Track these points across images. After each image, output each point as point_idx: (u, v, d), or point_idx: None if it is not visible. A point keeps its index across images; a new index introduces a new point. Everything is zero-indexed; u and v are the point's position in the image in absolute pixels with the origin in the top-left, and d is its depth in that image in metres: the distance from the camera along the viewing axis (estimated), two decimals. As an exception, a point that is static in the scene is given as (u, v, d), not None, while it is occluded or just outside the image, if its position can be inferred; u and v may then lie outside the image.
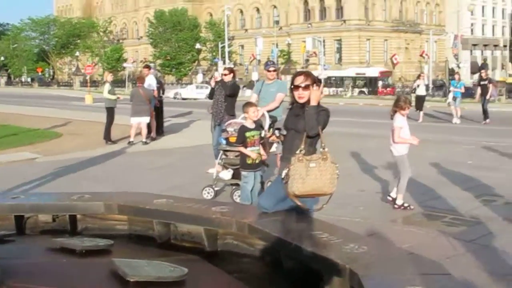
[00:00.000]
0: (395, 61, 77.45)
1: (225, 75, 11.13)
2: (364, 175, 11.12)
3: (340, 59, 78.78)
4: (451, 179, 10.26)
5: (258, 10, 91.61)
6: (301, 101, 5.12)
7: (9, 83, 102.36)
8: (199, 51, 78.94)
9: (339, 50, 79.39)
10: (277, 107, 9.65)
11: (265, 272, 4.79)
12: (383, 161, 11.51)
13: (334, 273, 3.83)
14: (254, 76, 60.61)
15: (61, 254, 4.14)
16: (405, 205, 7.95)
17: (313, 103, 5.00)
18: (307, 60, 74.32)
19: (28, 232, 6.04)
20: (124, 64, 75.26)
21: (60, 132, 20.52)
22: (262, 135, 8.58)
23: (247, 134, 7.94)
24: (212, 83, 11.64)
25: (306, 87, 5.07)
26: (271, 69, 9.76)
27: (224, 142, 8.97)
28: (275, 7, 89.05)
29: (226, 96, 10.76)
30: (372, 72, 60.24)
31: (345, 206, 8.11)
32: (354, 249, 3.99)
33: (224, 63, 60.98)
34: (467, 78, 58.31)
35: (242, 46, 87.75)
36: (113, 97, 16.96)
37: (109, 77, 18.20)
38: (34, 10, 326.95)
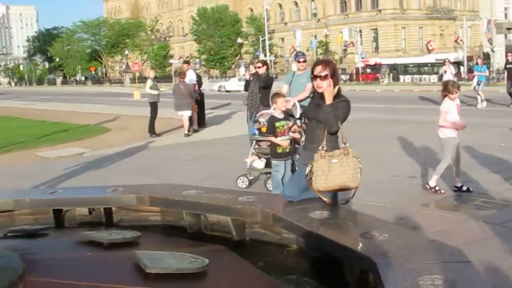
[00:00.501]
0: (430, 48, 75.89)
1: (259, 67, 11.01)
2: (399, 160, 10.74)
3: (377, 48, 77.70)
4: (483, 162, 9.82)
5: (296, 3, 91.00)
6: (320, 90, 4.93)
7: (64, 82, 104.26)
8: (241, 45, 78.92)
9: (375, 39, 78.26)
10: (308, 97, 9.45)
11: (291, 261, 4.66)
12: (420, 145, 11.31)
13: (354, 261, 3.66)
14: (294, 67, 60.02)
15: (89, 247, 4.07)
16: (437, 188, 7.65)
17: (328, 101, 4.80)
18: (345, 50, 73.66)
19: (67, 225, 6.06)
20: (171, 61, 75.73)
21: (109, 127, 20.73)
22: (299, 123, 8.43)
23: (277, 124, 7.78)
24: (247, 76, 11.56)
25: (325, 77, 4.86)
26: (301, 60, 9.56)
27: (256, 132, 8.87)
28: (312, 0, 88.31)
29: (260, 88, 10.65)
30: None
31: (375, 192, 7.87)
32: (375, 237, 3.81)
33: (265, 55, 60.75)
34: (502, 62, 56.70)
35: (282, 39, 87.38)
36: (155, 92, 17.04)
37: (151, 73, 18.28)
38: (85, 13, 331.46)
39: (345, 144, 4.73)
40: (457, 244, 5.39)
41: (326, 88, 4.80)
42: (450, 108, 7.68)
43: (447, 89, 7.79)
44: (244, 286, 3.60)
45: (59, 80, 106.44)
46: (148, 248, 4.23)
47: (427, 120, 17.17)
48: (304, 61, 9.52)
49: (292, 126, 7.59)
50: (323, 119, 4.82)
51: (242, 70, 16.73)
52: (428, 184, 7.80)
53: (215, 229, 5.32)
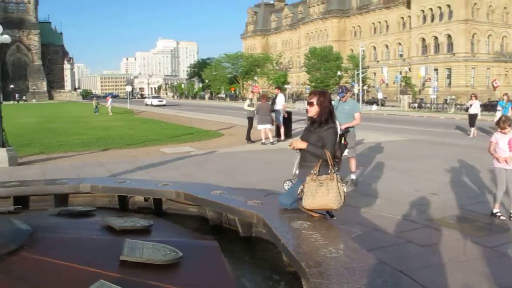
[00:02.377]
0: (495, 85, 70.30)
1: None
2: (427, 177, 9.54)
3: (449, 84, 73.06)
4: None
5: (387, 46, 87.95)
6: (309, 115, 4.54)
7: (210, 98, 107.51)
8: (340, 77, 77.35)
9: (449, 77, 73.54)
10: (357, 124, 8.71)
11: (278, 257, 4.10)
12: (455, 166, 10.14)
13: (301, 275, 3.04)
14: (379, 95, 58.53)
15: (103, 231, 3.76)
16: (497, 214, 6.30)
17: (302, 146, 4.43)
18: (423, 84, 70.07)
19: (130, 208, 5.83)
20: (285, 86, 76.01)
21: (223, 133, 20.73)
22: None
23: None
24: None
25: (310, 104, 4.48)
26: (341, 96, 8.75)
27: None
28: (400, 44, 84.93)
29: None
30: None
31: (393, 203, 7.02)
32: (327, 252, 3.17)
33: (358, 85, 59.12)
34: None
35: (374, 73, 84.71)
36: (252, 108, 16.78)
37: (250, 95, 18.03)
38: (228, 48, 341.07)
39: (331, 171, 4.22)
40: (440, 262, 4.57)
41: (298, 141, 4.49)
42: (498, 140, 6.52)
43: (498, 123, 6.70)
44: (203, 280, 3.11)
45: (207, 96, 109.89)
46: (155, 235, 3.88)
47: (473, 144, 15.59)
48: (343, 97, 8.71)
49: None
50: (312, 153, 4.38)
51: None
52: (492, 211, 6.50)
53: (232, 224, 4.87)
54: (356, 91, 58.86)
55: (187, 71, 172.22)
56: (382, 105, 53.20)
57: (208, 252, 3.60)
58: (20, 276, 2.82)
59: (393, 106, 55.17)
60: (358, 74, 60.01)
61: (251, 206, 4.44)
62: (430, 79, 63.01)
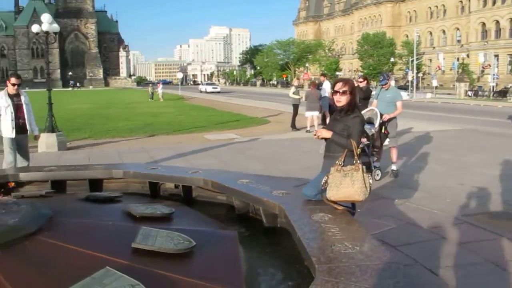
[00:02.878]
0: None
1: (360, 82, 10.10)
2: (474, 170, 9.02)
3: (511, 71, 69.41)
4: None
5: (443, 31, 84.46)
6: (339, 104, 4.25)
7: (262, 84, 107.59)
8: (394, 63, 75.21)
9: (511, 63, 69.88)
10: (400, 113, 8.41)
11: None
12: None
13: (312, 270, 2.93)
14: (434, 83, 56.35)
15: (124, 217, 3.80)
16: None
17: (327, 135, 4.23)
18: (482, 71, 66.89)
19: (162, 194, 5.88)
20: (337, 73, 74.81)
21: (270, 120, 20.63)
22: (371, 130, 7.56)
23: None
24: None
25: (343, 93, 4.19)
26: (383, 83, 8.44)
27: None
28: (457, 29, 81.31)
29: (361, 99, 9.72)
30: None
31: (434, 197, 6.71)
32: (343, 248, 3.04)
33: (412, 72, 57.26)
34: None
35: (430, 60, 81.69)
36: (297, 96, 16.62)
37: (295, 82, 17.76)
38: (280, 35, 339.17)
39: (356, 161, 4.02)
40: (473, 261, 4.33)
41: (323, 130, 4.27)
42: None
43: None
44: (213, 271, 3.07)
45: (258, 82, 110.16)
46: (175, 223, 3.87)
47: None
48: (386, 84, 8.40)
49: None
50: (337, 143, 4.19)
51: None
52: None
53: (258, 214, 4.80)
54: (410, 78, 57.15)
55: (239, 58, 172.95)
56: (432, 92, 51.09)
57: (225, 242, 3.55)
58: (34, 259, 2.88)
59: (448, 94, 53.12)
60: (412, 60, 58.05)
61: (276, 197, 4.34)
62: (489, 65, 60.06)
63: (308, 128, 15.53)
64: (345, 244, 3.07)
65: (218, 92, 63.38)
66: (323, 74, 17.09)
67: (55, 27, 11.82)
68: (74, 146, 12.96)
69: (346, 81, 4.30)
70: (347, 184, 3.93)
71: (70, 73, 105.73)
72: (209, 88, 67.66)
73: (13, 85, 7.09)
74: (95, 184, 5.91)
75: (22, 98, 7.31)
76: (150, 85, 55.30)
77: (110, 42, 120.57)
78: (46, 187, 5.82)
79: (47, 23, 11.45)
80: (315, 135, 4.37)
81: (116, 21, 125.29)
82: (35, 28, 11.94)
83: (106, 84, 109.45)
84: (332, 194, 3.97)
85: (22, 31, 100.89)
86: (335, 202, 4.05)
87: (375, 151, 7.86)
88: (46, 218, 3.32)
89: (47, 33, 11.68)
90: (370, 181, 4.02)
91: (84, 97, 54.22)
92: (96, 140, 14.47)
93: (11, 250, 2.89)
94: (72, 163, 9.66)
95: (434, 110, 28.86)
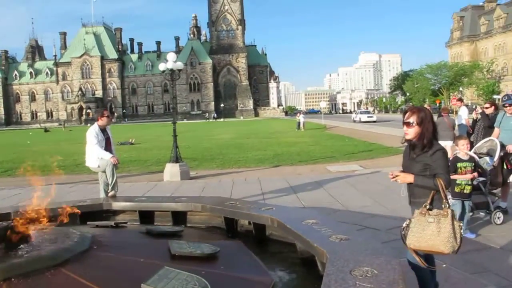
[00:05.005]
0: None
1: (487, 107, 8.91)
2: None
3: None
4: None
5: None
6: (406, 137, 3.74)
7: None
8: None
9: None
10: None
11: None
12: None
13: None
14: None
15: (162, 255, 3.78)
16: None
17: (409, 180, 3.65)
18: None
19: (239, 231, 5.78)
20: (494, 96, 68.18)
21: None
22: (490, 164, 6.62)
23: (459, 164, 6.29)
24: (474, 116, 9.47)
25: (409, 124, 3.66)
26: (507, 104, 7.30)
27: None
28: None
29: (485, 127, 8.61)
30: None
31: None
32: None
33: None
34: None
35: None
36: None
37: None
38: (433, 58, 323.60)
39: (445, 206, 3.48)
40: None
41: (402, 174, 3.69)
42: None
43: None
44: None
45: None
46: (212, 264, 3.74)
47: None
48: (510, 106, 7.24)
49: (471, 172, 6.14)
50: (422, 186, 3.63)
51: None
52: None
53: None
54: None
55: (389, 84, 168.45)
56: None
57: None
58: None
59: None
60: None
61: (329, 243, 3.92)
62: None
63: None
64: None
65: (374, 122, 56.43)
66: (459, 99, 15.62)
67: (179, 64, 12.70)
68: (198, 176, 13.59)
69: (415, 110, 3.74)
70: (432, 232, 3.41)
71: (222, 105, 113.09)
72: (364, 117, 59.21)
73: (108, 117, 7.75)
74: (179, 216, 6.04)
75: (109, 131, 7.93)
76: (298, 114, 55.81)
77: (260, 74, 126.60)
78: (135, 217, 6.16)
79: (171, 61, 12.35)
80: (392, 177, 3.77)
81: (265, 54, 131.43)
82: (161, 66, 12.96)
83: (256, 114, 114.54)
84: (413, 241, 3.49)
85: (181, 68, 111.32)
86: (416, 252, 3.53)
87: (494, 189, 6.84)
88: (78, 250, 3.43)
89: (172, 70, 12.58)
90: (462, 231, 3.43)
91: (231, 127, 57.32)
92: (222, 170, 15.01)
93: (29, 279, 3.03)
94: (187, 193, 10.10)
95: None
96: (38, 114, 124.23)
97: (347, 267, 3.38)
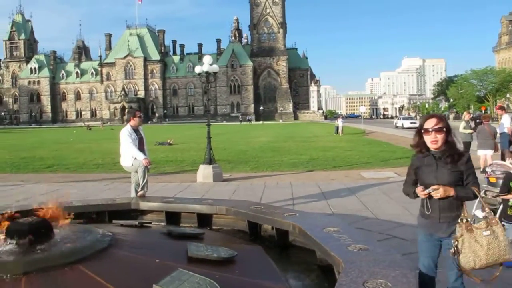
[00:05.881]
0: None
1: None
2: None
3: None
4: None
5: None
6: (435, 146, 3.50)
7: (456, 118, 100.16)
8: None
9: None
10: None
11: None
12: None
13: None
14: None
15: (179, 256, 3.83)
16: None
17: (451, 192, 3.41)
18: None
19: (262, 235, 5.77)
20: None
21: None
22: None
23: None
24: None
25: (439, 131, 3.47)
26: None
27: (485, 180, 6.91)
28: None
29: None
30: None
31: None
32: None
33: None
34: None
35: None
36: (468, 131, 14.96)
37: (466, 116, 15.96)
38: (479, 63, 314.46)
39: (489, 213, 3.33)
40: None
41: (442, 188, 3.39)
42: None
43: None
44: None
45: (451, 116, 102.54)
46: (228, 269, 3.76)
47: None
48: None
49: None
50: (463, 197, 3.44)
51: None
52: None
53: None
54: None
55: (432, 90, 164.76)
56: None
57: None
58: (62, 286, 3.09)
59: None
60: None
61: (346, 252, 3.87)
62: None
63: (481, 168, 13.79)
64: None
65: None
66: (500, 107, 15.11)
67: (215, 67, 12.82)
68: (231, 178, 13.66)
69: (441, 117, 3.59)
70: (492, 243, 3.25)
71: (261, 107, 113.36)
72: (406, 123, 58.47)
73: (139, 117, 7.92)
74: (204, 218, 6.09)
75: (141, 132, 8.07)
76: (338, 119, 54.98)
77: (300, 78, 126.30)
78: (160, 217, 6.26)
79: (207, 64, 12.48)
80: (424, 192, 3.47)
81: (306, 58, 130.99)
82: (197, 69, 13.12)
83: (295, 117, 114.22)
84: (476, 261, 3.26)
85: (222, 70, 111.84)
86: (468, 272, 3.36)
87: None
88: (96, 248, 3.52)
89: (207, 73, 12.72)
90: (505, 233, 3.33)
91: (270, 130, 57.36)
92: (255, 173, 15.04)
93: (47, 274, 3.14)
94: (217, 195, 10.19)
95: None
96: (83, 112, 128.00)
97: (361, 278, 3.32)
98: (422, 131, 3.57)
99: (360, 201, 9.45)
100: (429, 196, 3.50)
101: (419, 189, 3.51)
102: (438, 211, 3.53)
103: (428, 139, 3.54)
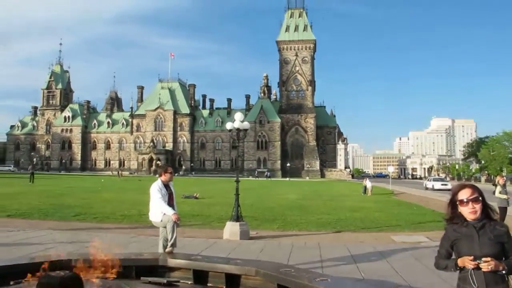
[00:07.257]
0: None
1: None
2: None
3: None
4: None
5: None
6: (474, 216, 3.41)
7: (488, 180, 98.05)
8: None
9: None
10: None
11: None
12: None
13: None
14: None
15: None
16: None
17: (500, 266, 3.28)
18: None
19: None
20: None
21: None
22: None
23: None
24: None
25: (476, 200, 3.39)
26: None
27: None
28: None
29: None
30: None
31: None
32: None
33: None
34: None
35: None
36: (504, 196, 14.58)
37: (500, 180, 15.60)
38: (509, 125, 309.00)
39: None
40: None
41: (493, 264, 3.25)
42: None
43: None
44: None
45: (483, 178, 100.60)
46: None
47: None
48: None
49: None
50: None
51: None
52: None
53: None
54: None
55: (462, 151, 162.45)
56: None
57: None
58: None
59: None
60: None
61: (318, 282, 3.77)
62: None
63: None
64: None
65: (448, 190, 54.65)
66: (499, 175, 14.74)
67: (246, 124, 12.99)
68: (258, 236, 13.49)
69: (473, 186, 3.53)
70: None
71: (288, 164, 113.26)
72: (437, 185, 57.31)
73: (171, 173, 7.99)
74: (233, 278, 5.97)
75: (172, 187, 8.11)
76: (366, 178, 54.19)
77: (328, 135, 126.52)
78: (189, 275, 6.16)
79: (238, 121, 12.67)
80: (471, 265, 3.32)
81: (334, 116, 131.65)
82: (228, 125, 13.30)
83: (322, 175, 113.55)
84: None
85: (251, 126, 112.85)
86: None
87: None
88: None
89: (238, 129, 12.88)
90: None
91: (296, 187, 56.97)
92: (282, 232, 14.85)
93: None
94: (244, 253, 10.04)
95: None
96: (111, 162, 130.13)
97: None
98: (457, 202, 3.50)
99: (392, 267, 9.15)
100: (475, 269, 3.33)
101: (467, 259, 3.33)
102: (485, 285, 3.33)
103: (465, 210, 3.45)
